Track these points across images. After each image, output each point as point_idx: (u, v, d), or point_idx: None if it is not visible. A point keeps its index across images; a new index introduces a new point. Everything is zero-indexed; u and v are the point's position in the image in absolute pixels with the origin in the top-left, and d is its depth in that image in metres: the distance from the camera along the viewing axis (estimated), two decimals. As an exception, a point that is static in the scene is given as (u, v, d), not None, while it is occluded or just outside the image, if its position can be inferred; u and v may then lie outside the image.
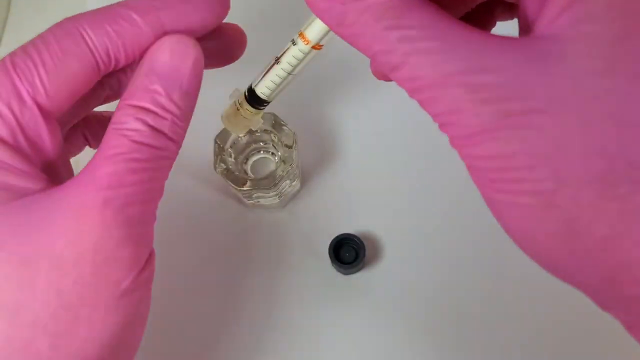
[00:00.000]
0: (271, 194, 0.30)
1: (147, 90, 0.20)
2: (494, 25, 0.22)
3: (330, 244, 0.31)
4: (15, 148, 0.20)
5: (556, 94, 0.15)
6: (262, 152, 0.34)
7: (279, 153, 0.31)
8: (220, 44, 0.24)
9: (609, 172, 0.14)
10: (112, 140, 0.20)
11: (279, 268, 0.32)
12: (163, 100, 0.20)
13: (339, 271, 0.32)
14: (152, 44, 0.21)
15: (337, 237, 0.31)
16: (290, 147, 0.30)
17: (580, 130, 0.15)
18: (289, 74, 0.22)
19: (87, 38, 0.20)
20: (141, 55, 0.21)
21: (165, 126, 0.20)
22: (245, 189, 0.29)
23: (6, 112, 0.20)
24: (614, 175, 0.14)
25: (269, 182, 0.29)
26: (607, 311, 0.16)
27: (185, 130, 0.21)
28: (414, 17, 0.16)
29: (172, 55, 0.20)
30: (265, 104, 0.24)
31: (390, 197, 0.33)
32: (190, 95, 0.21)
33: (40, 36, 0.21)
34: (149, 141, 0.20)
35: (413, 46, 0.16)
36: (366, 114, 0.35)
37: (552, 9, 0.15)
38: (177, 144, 0.21)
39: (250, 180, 0.30)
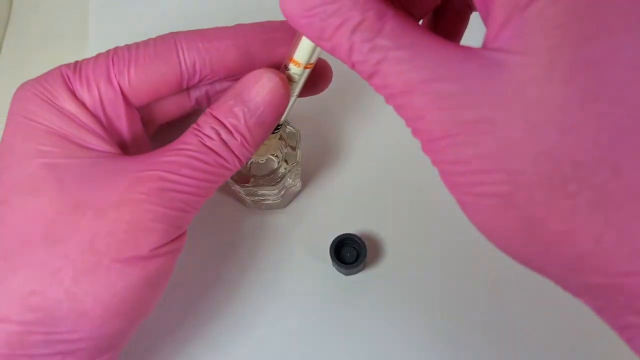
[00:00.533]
0: (274, 191, 0.30)
1: (230, 110, 0.23)
2: (467, 20, 0.24)
3: (331, 244, 0.31)
4: (94, 115, 0.24)
5: (503, 102, 0.16)
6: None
7: (282, 153, 0.31)
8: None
9: (557, 172, 0.15)
10: (187, 136, 0.23)
11: (280, 268, 0.32)
12: (239, 124, 0.23)
13: (340, 271, 0.32)
14: (238, 65, 0.24)
15: (338, 237, 0.31)
16: (294, 147, 0.30)
17: (526, 135, 0.16)
18: (292, 95, 0.24)
19: (179, 48, 0.24)
20: (226, 74, 0.25)
21: (233, 144, 0.23)
22: (248, 185, 0.30)
23: (93, 85, 0.24)
24: (562, 175, 0.15)
25: (272, 178, 0.30)
26: (577, 297, 0.17)
27: (251, 152, 0.24)
28: (386, 29, 0.17)
29: (261, 89, 0.23)
30: (279, 127, 0.26)
31: (391, 197, 0.34)
32: (266, 125, 0.24)
33: (146, 40, 0.25)
34: (216, 149, 0.23)
35: (384, 56, 0.17)
36: (367, 114, 0.36)
37: (494, 25, 0.16)
38: (241, 160, 0.24)
39: (253, 177, 0.30)
